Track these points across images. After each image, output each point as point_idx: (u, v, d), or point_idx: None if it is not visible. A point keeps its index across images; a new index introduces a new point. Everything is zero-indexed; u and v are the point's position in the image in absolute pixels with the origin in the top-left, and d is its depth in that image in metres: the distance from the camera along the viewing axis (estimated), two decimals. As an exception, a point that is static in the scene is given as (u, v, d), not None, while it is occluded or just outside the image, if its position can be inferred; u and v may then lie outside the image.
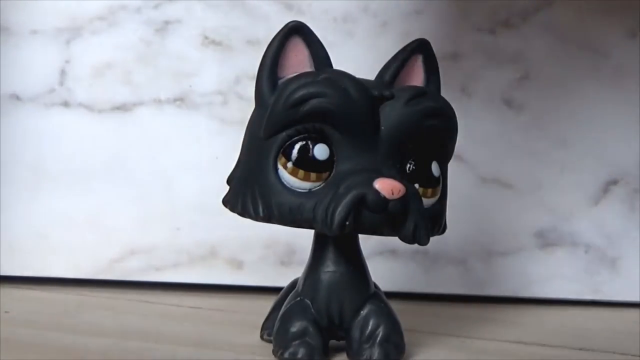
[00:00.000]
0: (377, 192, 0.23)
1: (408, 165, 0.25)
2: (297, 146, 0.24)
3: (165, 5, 0.37)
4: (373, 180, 0.23)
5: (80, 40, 0.37)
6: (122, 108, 0.37)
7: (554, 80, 0.36)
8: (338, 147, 0.24)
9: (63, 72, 0.37)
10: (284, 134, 0.24)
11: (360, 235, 0.26)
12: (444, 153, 0.26)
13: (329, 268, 0.26)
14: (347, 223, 0.23)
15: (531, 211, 0.36)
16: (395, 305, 0.27)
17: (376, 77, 0.26)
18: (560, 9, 0.36)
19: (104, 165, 0.37)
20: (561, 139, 0.36)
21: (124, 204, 0.37)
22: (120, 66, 0.37)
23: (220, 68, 0.37)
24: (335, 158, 0.24)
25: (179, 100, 0.37)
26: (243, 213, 0.25)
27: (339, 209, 0.23)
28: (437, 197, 0.25)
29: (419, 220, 0.24)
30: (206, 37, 0.37)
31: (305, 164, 0.24)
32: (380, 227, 0.24)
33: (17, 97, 0.38)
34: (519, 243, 0.36)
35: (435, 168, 0.25)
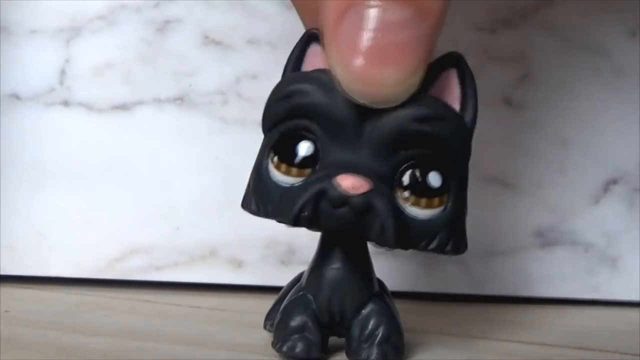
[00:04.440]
0: (337, 186, 0.23)
1: (403, 171, 0.24)
2: (284, 141, 0.25)
3: (165, 5, 0.37)
4: (337, 174, 0.23)
5: (80, 40, 0.37)
6: (122, 107, 0.37)
7: (554, 80, 0.36)
8: (323, 144, 0.24)
9: (63, 72, 0.37)
10: (275, 129, 0.25)
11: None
12: (449, 163, 0.25)
13: (334, 265, 0.26)
14: (304, 214, 0.23)
15: (531, 210, 0.36)
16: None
17: None
18: (561, 8, 0.36)
19: (104, 165, 0.37)
20: (561, 138, 0.36)
21: (123, 203, 0.37)
22: (120, 65, 0.37)
23: (220, 67, 0.37)
24: (320, 155, 0.24)
25: (179, 100, 0.37)
26: (243, 206, 0.26)
27: (298, 201, 0.23)
28: (437, 210, 0.24)
29: (386, 221, 0.23)
30: (206, 37, 0.37)
31: (289, 159, 0.25)
32: (342, 223, 0.24)
33: (16, 97, 0.38)
34: (519, 242, 0.36)
35: (434, 178, 0.24)
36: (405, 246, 0.24)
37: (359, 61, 0.23)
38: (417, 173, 0.24)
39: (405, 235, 0.24)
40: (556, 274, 0.36)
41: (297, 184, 0.24)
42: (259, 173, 0.25)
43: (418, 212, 0.24)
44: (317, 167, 0.24)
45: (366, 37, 0.23)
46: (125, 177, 0.37)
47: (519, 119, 0.36)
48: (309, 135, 0.24)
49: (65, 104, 0.37)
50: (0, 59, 0.37)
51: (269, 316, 0.29)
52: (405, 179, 0.24)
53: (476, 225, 0.36)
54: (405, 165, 0.24)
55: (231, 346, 0.28)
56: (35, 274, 0.38)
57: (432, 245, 0.25)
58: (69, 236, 0.37)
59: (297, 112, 0.24)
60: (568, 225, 0.36)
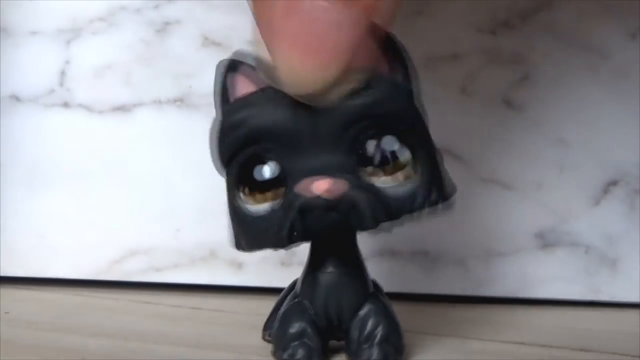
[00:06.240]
0: (315, 195, 0.23)
1: (361, 150, 0.24)
2: (247, 171, 0.25)
3: (165, 6, 0.37)
4: (312, 184, 0.23)
5: (80, 41, 0.37)
6: (122, 109, 0.37)
7: (554, 81, 0.36)
8: (285, 159, 0.24)
9: (63, 73, 0.37)
10: (234, 162, 0.25)
11: (358, 236, 0.26)
12: (400, 126, 0.24)
13: (327, 269, 0.26)
14: (295, 234, 0.24)
15: (531, 211, 0.36)
16: (394, 306, 0.27)
17: None
18: (561, 9, 0.36)
19: (104, 166, 0.37)
20: (561, 140, 0.36)
21: (123, 205, 0.37)
22: (120, 67, 0.37)
23: (220, 69, 0.37)
24: (287, 171, 0.24)
25: (179, 101, 0.37)
26: (237, 248, 0.26)
27: (285, 224, 0.24)
28: (403, 172, 0.24)
29: (373, 209, 0.24)
30: (206, 38, 0.37)
31: (258, 186, 0.25)
32: (333, 227, 0.24)
33: (16, 98, 0.38)
34: (518, 243, 0.36)
35: (389, 142, 0.24)
36: (396, 218, 0.24)
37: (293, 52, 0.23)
38: (372, 144, 0.24)
39: (392, 211, 0.24)
40: (556, 276, 0.36)
41: (276, 207, 0.24)
42: (237, 213, 0.25)
43: (387, 180, 0.24)
44: (289, 183, 0.24)
45: (297, 28, 0.23)
46: (125, 179, 0.37)
47: (519, 120, 0.36)
48: (269, 156, 0.24)
49: (65, 105, 0.38)
50: (0, 60, 0.37)
51: (267, 326, 0.29)
52: (365, 155, 0.24)
53: (475, 226, 0.36)
54: (359, 143, 0.24)
55: (231, 347, 0.28)
56: (36, 275, 0.38)
57: (417, 204, 0.24)
58: (69, 237, 0.38)
59: (251, 139, 0.24)
60: (568, 226, 0.36)
